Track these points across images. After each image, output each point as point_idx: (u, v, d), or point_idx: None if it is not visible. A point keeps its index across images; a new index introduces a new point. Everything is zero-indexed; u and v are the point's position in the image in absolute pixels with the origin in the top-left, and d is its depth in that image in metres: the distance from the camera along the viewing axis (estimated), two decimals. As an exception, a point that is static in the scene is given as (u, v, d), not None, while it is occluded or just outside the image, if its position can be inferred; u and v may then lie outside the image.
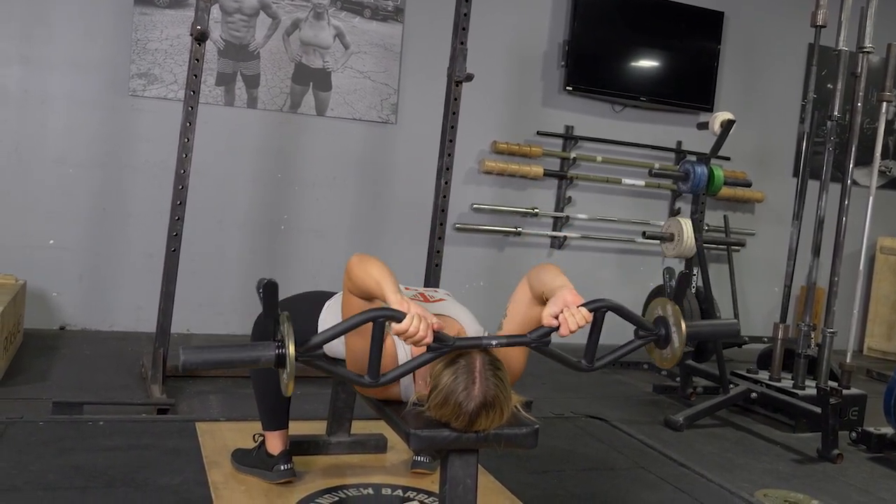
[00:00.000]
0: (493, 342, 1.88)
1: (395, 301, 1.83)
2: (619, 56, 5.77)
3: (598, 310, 1.93)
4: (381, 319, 1.81)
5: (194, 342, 4.68)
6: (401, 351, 2.05)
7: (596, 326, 1.95)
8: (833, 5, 4.08)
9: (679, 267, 5.44)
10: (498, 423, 1.87)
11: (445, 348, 1.85)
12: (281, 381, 1.80)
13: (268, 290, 1.84)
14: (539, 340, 1.91)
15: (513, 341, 1.92)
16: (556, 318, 1.87)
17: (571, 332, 1.86)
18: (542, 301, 1.98)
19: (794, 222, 4.28)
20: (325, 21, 5.08)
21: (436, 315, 2.10)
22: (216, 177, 4.89)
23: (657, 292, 5.09)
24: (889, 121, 4.01)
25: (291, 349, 1.75)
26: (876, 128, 4.12)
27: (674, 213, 5.98)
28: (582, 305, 1.88)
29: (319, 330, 2.30)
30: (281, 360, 1.76)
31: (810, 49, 4.47)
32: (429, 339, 1.81)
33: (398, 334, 1.81)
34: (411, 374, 2.04)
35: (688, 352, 4.46)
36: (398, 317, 1.80)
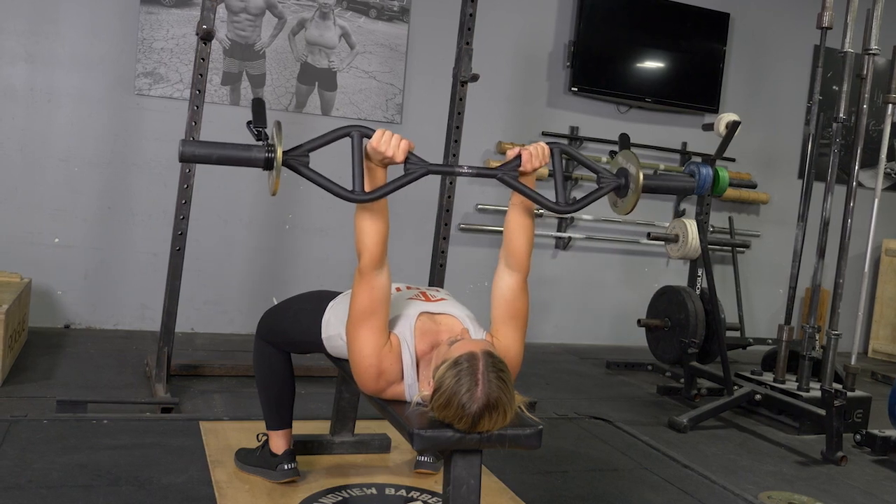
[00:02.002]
0: (465, 168, 2.08)
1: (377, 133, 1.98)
2: (624, 57, 5.76)
3: (553, 146, 2.16)
4: (355, 133, 1.99)
5: (198, 342, 4.69)
6: (406, 353, 2.05)
7: (555, 165, 2.16)
8: (839, 7, 4.08)
9: (684, 269, 5.44)
10: (501, 424, 1.87)
11: (420, 170, 2.00)
12: (269, 182, 1.92)
13: (256, 105, 1.98)
14: (506, 171, 2.08)
15: (483, 172, 2.11)
16: (516, 150, 2.09)
17: (532, 155, 2.07)
18: (511, 256, 2.16)
19: (799, 224, 4.27)
20: (331, 21, 5.09)
21: (436, 315, 2.12)
22: (221, 176, 4.89)
23: (662, 293, 5.09)
24: (895, 123, 3.99)
25: (280, 152, 1.90)
26: (882, 130, 4.11)
27: (678, 214, 5.97)
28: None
29: (323, 330, 2.31)
30: (269, 162, 1.89)
31: (816, 51, 4.46)
32: (402, 154, 1.96)
33: (376, 145, 1.94)
34: (414, 375, 2.05)
35: (692, 353, 4.45)
36: (369, 133, 1.97)
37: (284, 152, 1.92)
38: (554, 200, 2.13)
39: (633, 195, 2.16)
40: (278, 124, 1.93)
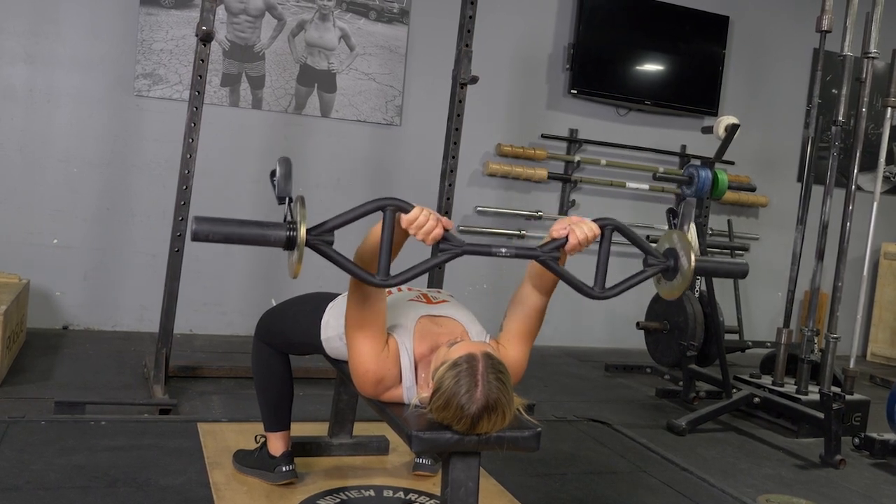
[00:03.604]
0: (503, 250, 1.87)
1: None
2: (624, 59, 5.76)
3: (606, 226, 1.95)
4: (390, 208, 1.81)
5: (197, 343, 4.68)
6: (404, 357, 2.04)
7: (604, 246, 1.97)
8: (838, 10, 4.08)
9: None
10: (500, 426, 1.86)
11: (455, 249, 1.85)
12: (289, 265, 1.77)
13: (282, 165, 1.81)
14: (548, 254, 1.92)
15: (522, 253, 1.92)
16: (565, 230, 1.90)
17: (580, 242, 1.89)
18: (540, 279, 2.02)
19: (798, 227, 4.27)
20: (331, 23, 5.09)
21: (437, 317, 2.11)
22: (221, 177, 4.90)
23: (660, 297, 5.08)
24: (894, 126, 4.00)
25: (303, 231, 1.73)
26: (881, 133, 4.11)
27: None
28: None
29: (322, 331, 2.31)
30: (291, 242, 1.74)
31: (815, 54, 4.47)
32: (438, 232, 1.82)
33: (407, 225, 1.81)
34: (413, 376, 2.04)
35: (691, 356, 4.45)
36: (406, 207, 1.81)
37: (308, 231, 1.75)
38: (591, 285, 1.98)
39: (683, 283, 2.02)
40: (302, 200, 1.77)
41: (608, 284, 2.01)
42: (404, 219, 1.81)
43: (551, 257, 1.92)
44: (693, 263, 1.98)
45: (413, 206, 1.82)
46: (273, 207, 5.03)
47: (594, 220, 1.93)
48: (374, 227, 1.91)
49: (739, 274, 2.22)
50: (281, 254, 5.18)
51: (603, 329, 5.80)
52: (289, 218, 1.77)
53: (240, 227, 1.73)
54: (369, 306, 1.97)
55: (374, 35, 5.19)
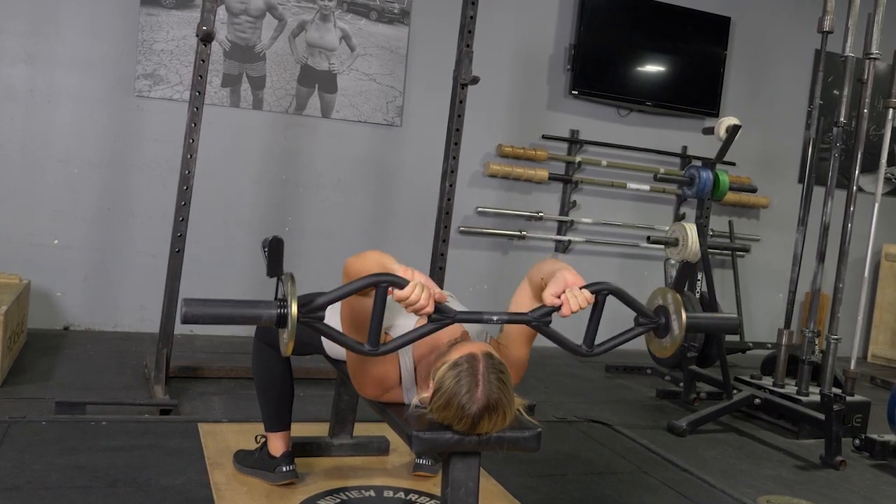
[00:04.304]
0: (495, 318, 1.88)
1: (399, 269, 1.84)
2: (625, 60, 5.76)
3: (600, 292, 1.95)
4: (384, 284, 1.81)
5: (198, 343, 4.68)
6: (404, 358, 2.04)
7: (597, 310, 1.98)
8: (840, 11, 4.08)
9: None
10: (500, 426, 1.86)
11: (447, 320, 1.86)
12: (280, 342, 1.79)
13: (273, 247, 1.82)
14: (540, 319, 1.93)
15: (514, 318, 1.93)
16: (559, 297, 1.88)
17: (573, 312, 1.88)
18: (542, 291, 1.98)
19: (799, 228, 4.27)
20: (332, 23, 5.09)
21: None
22: (221, 178, 4.90)
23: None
24: (895, 127, 3.99)
25: (294, 309, 1.74)
26: (882, 134, 4.11)
27: (678, 217, 5.97)
28: (584, 287, 1.90)
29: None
30: (282, 320, 1.75)
31: (817, 55, 4.47)
32: (430, 309, 1.82)
33: (400, 301, 1.81)
34: (413, 376, 2.04)
35: (692, 357, 4.45)
36: (401, 283, 1.81)
37: (299, 308, 1.75)
38: (580, 344, 2.01)
39: (674, 344, 2.03)
40: (292, 278, 1.77)
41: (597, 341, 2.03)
42: (397, 294, 1.81)
43: (543, 322, 1.93)
44: (683, 328, 1.99)
45: (407, 282, 1.81)
46: (273, 207, 5.04)
47: (589, 286, 1.91)
48: (371, 253, 1.93)
49: (730, 329, 2.24)
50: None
51: (603, 330, 5.77)
52: (279, 295, 1.78)
53: (231, 307, 1.77)
54: (362, 310, 1.97)
55: (375, 36, 5.19)
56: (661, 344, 2.08)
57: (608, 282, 1.97)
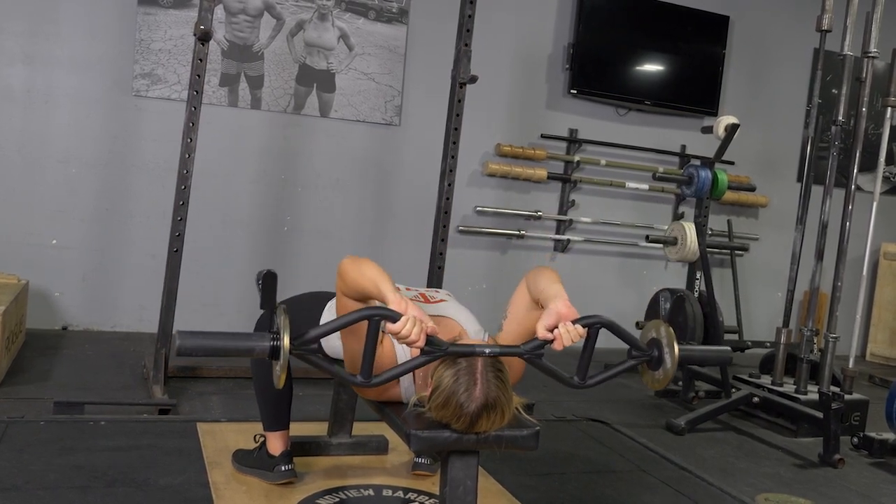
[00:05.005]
0: (486, 350, 1.88)
1: (393, 301, 1.84)
2: (624, 59, 5.76)
3: (592, 326, 1.95)
4: (376, 318, 1.82)
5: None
6: (399, 351, 2.04)
7: (589, 342, 1.99)
8: (839, 10, 4.08)
9: (683, 271, 5.44)
10: (499, 424, 1.86)
11: (438, 353, 1.86)
12: (273, 374, 1.81)
13: (267, 280, 1.85)
14: (532, 353, 1.94)
15: (505, 352, 1.92)
16: (551, 331, 1.89)
17: (564, 347, 1.90)
18: (539, 305, 1.99)
19: (798, 227, 4.27)
20: (330, 22, 5.09)
21: (434, 317, 2.11)
22: (219, 177, 4.90)
23: (659, 296, 5.09)
24: (894, 126, 4.00)
25: (286, 341, 1.76)
26: (881, 133, 4.11)
27: (677, 217, 5.97)
28: (577, 321, 1.90)
29: (320, 330, 2.30)
30: (275, 352, 1.78)
31: (815, 54, 4.47)
32: (421, 343, 1.82)
33: (392, 334, 1.82)
34: (412, 375, 2.04)
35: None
36: (394, 317, 1.81)
37: (291, 341, 1.79)
38: (572, 376, 2.02)
39: (666, 377, 2.04)
40: (284, 311, 1.80)
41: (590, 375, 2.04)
42: (389, 327, 1.82)
43: (535, 356, 1.94)
44: (675, 361, 2.01)
45: (400, 316, 1.81)
46: (272, 207, 5.04)
47: (582, 319, 1.92)
48: (367, 266, 1.94)
49: (723, 362, 2.25)
50: (280, 254, 5.18)
51: (603, 329, 5.77)
52: (273, 328, 1.80)
53: (224, 340, 1.80)
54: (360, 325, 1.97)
55: (374, 35, 5.19)
56: (654, 376, 2.09)
57: (601, 315, 1.98)
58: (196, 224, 4.33)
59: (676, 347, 2.02)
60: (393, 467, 2.79)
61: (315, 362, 1.85)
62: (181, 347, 1.74)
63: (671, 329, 2.06)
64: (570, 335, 1.89)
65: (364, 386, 1.87)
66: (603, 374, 2.05)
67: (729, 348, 2.28)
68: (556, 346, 1.90)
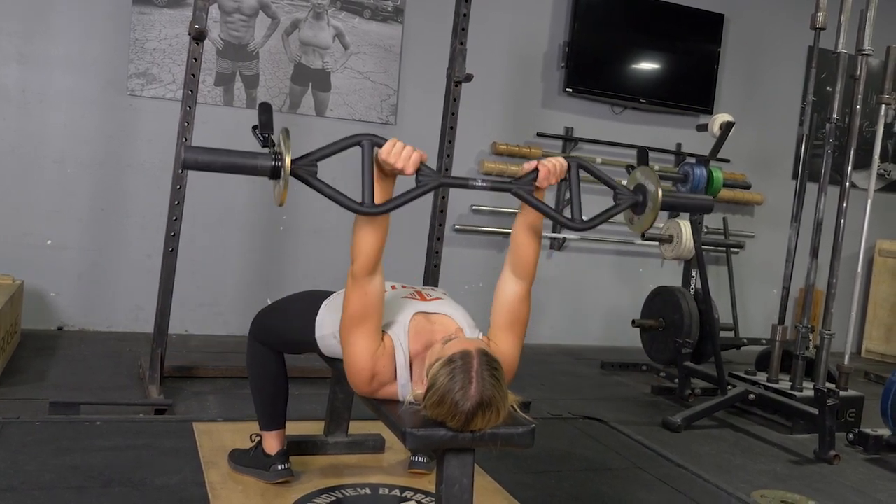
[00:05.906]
0: (479, 181, 2.00)
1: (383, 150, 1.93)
2: (619, 58, 5.77)
3: (571, 163, 2.10)
4: (366, 141, 1.91)
5: (192, 343, 4.68)
6: (400, 361, 2.04)
7: (574, 181, 2.12)
8: (833, 8, 4.09)
9: (678, 269, 5.45)
10: (494, 422, 1.87)
11: (433, 182, 1.95)
12: (274, 193, 1.86)
13: (263, 108, 1.91)
14: (520, 185, 2.03)
15: (496, 186, 2.05)
16: (533, 164, 2.04)
17: (549, 171, 2.03)
18: (519, 261, 2.14)
19: (793, 224, 4.28)
20: (325, 21, 5.09)
21: (431, 314, 2.12)
22: (215, 177, 4.86)
23: (656, 294, 5.09)
24: (888, 124, 4.01)
25: (288, 161, 1.81)
26: (875, 130, 4.12)
27: (673, 214, 5.97)
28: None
29: (317, 329, 2.30)
30: (276, 171, 1.82)
31: (810, 52, 4.48)
32: (417, 156, 1.93)
33: (386, 157, 1.90)
34: (408, 375, 2.04)
35: (686, 353, 4.46)
36: (380, 142, 1.90)
37: (293, 161, 1.83)
38: (569, 217, 2.08)
39: (651, 213, 2.11)
40: (286, 132, 1.84)
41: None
42: (382, 151, 1.90)
43: (526, 190, 2.03)
44: (658, 203, 2.10)
45: (386, 140, 1.91)
46: (268, 206, 5.03)
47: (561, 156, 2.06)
48: (359, 228, 1.98)
49: (704, 209, 2.34)
50: (277, 253, 5.16)
51: (599, 327, 5.80)
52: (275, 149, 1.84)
53: (228, 156, 1.84)
54: (369, 302, 1.98)
55: (369, 34, 5.18)
56: (642, 219, 2.17)
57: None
58: (192, 224, 4.32)
59: (660, 192, 2.10)
60: (389, 466, 2.80)
61: (314, 183, 1.88)
62: (186, 160, 1.80)
63: (652, 172, 2.16)
64: (551, 161, 2.03)
65: (369, 212, 1.91)
66: (598, 217, 2.14)
67: (710, 197, 2.38)
68: (542, 172, 2.02)
